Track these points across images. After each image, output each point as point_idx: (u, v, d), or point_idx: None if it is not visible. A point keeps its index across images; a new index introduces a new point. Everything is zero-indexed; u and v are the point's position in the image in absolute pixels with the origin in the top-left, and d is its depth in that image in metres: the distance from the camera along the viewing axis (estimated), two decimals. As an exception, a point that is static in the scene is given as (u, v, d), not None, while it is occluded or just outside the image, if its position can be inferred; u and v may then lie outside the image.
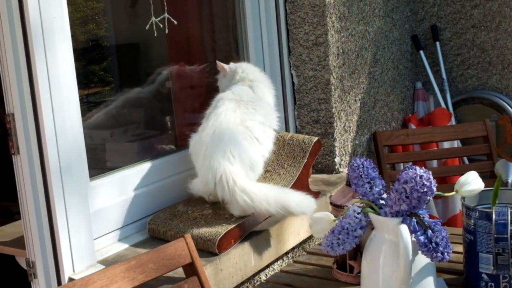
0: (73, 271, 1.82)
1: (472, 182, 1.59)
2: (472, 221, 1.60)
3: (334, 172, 2.72)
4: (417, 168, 1.45)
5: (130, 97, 2.62)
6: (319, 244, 2.07)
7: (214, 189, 2.02)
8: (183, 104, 2.79)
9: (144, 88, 2.67)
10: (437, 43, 3.44)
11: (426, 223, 1.47)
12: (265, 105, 2.25)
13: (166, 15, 2.25)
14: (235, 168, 2.03)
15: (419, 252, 1.48)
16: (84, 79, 1.90)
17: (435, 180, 1.46)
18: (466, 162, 3.25)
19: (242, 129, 2.10)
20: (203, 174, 2.06)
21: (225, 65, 2.33)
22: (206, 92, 2.65)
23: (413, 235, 1.47)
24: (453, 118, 3.33)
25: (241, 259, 1.98)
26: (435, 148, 3.17)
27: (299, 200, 2.02)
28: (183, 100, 2.79)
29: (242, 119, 2.11)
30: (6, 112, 1.80)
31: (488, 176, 2.78)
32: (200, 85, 2.79)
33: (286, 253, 2.26)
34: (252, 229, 2.06)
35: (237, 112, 2.12)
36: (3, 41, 1.75)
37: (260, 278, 2.15)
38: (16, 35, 1.72)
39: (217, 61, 2.35)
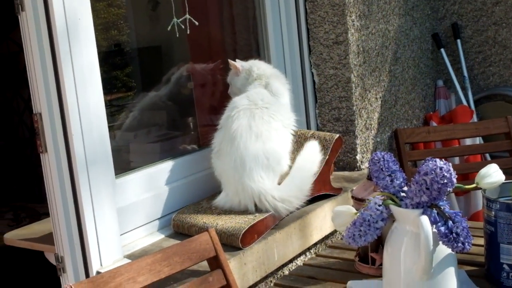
0: (101, 265, 1.86)
1: (493, 174, 1.60)
2: (493, 212, 1.61)
3: (356, 169, 2.74)
4: (437, 160, 1.47)
5: (147, 101, 2.66)
6: (342, 239, 2.09)
7: (255, 209, 2.09)
8: (201, 102, 2.81)
9: (160, 91, 2.70)
10: (458, 41, 3.45)
11: (446, 214, 1.49)
12: (282, 108, 2.25)
13: (187, 16, 2.29)
14: (268, 183, 2.09)
15: (440, 243, 1.50)
16: (108, 84, 1.94)
17: (455, 172, 1.48)
18: (488, 158, 3.25)
19: (261, 147, 2.10)
20: (240, 201, 2.10)
21: (237, 64, 2.33)
22: (221, 88, 2.66)
23: (434, 226, 1.49)
24: (474, 116, 3.33)
25: (264, 253, 2.01)
26: (457, 145, 3.17)
27: (307, 157, 2.16)
28: (200, 98, 2.81)
29: (258, 134, 2.11)
30: (34, 112, 1.85)
31: (511, 172, 2.78)
32: (212, 82, 2.80)
33: (309, 248, 2.29)
34: (275, 224, 2.09)
35: (253, 126, 2.11)
36: (29, 42, 1.80)
37: (283, 272, 2.18)
38: (42, 36, 1.77)
39: (229, 60, 2.35)
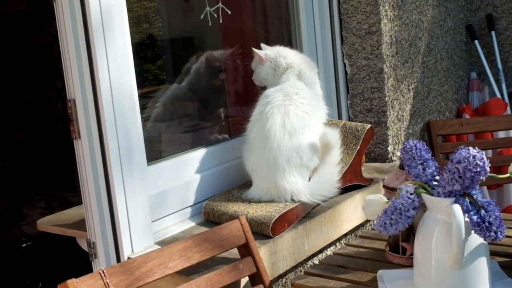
0: (132, 251, 1.88)
1: (526, 163, 1.58)
2: (527, 202, 1.59)
3: (387, 160, 2.72)
4: (470, 148, 1.46)
5: (170, 93, 2.67)
6: (372, 229, 2.08)
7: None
8: (226, 88, 2.80)
9: (182, 82, 2.70)
10: (493, 32, 3.40)
11: (479, 202, 1.47)
12: (316, 101, 2.24)
13: (220, 5, 2.29)
14: (300, 182, 2.10)
15: (472, 232, 1.49)
16: (139, 77, 1.96)
17: (488, 160, 1.46)
18: (522, 152, 3.21)
19: (295, 146, 2.09)
20: (272, 196, 2.11)
21: (261, 53, 2.29)
22: (243, 73, 2.65)
23: (466, 215, 1.48)
24: (508, 108, 3.29)
25: (294, 242, 2.01)
26: (490, 138, 3.14)
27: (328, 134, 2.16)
28: (226, 84, 2.80)
29: (292, 132, 2.10)
30: (68, 98, 1.87)
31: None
32: (233, 67, 2.78)
33: (339, 239, 2.28)
34: (305, 214, 2.09)
35: (287, 124, 2.10)
36: (64, 29, 1.82)
37: (313, 262, 2.18)
38: (76, 22, 1.79)
39: (253, 49, 2.31)
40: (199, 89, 2.72)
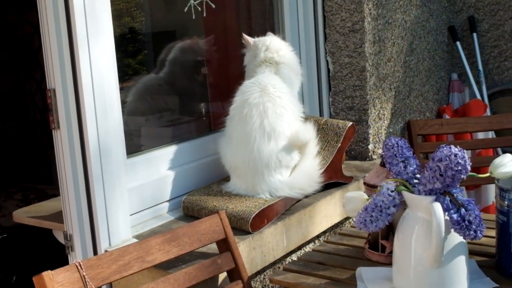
0: (109, 244, 1.86)
1: (507, 164, 1.59)
2: (506, 202, 1.60)
3: (368, 159, 2.72)
4: (452, 146, 1.46)
5: (143, 84, 2.60)
6: (352, 227, 2.08)
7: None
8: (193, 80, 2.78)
9: (156, 72, 2.66)
10: (474, 34, 3.42)
11: (459, 201, 1.47)
12: (292, 96, 2.22)
13: (204, -3, 2.28)
14: (280, 179, 2.10)
15: (452, 230, 1.49)
16: (120, 71, 1.93)
17: (470, 159, 1.46)
18: (500, 153, 3.23)
19: (274, 148, 2.08)
20: (251, 193, 2.11)
21: (249, 39, 2.27)
22: (226, 68, 2.62)
23: (446, 213, 1.48)
24: (488, 110, 3.31)
25: (273, 238, 2.00)
26: (469, 139, 3.15)
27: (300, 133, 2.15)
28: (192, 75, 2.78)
29: (271, 133, 2.08)
30: (48, 88, 1.84)
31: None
32: (215, 61, 2.77)
33: (318, 236, 2.28)
34: (285, 210, 2.09)
35: (266, 125, 2.07)
36: (46, 18, 1.79)
37: (291, 259, 2.17)
38: (59, 12, 1.76)
39: (243, 34, 2.29)
40: (177, 80, 2.68)
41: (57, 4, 1.76)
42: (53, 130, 1.86)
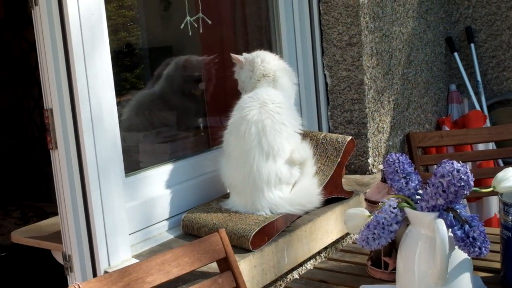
0: (109, 265, 1.83)
1: (510, 178, 1.57)
2: (510, 217, 1.58)
3: (367, 173, 2.71)
4: (454, 162, 1.44)
5: (140, 99, 2.58)
6: (353, 243, 2.06)
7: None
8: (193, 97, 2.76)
9: (152, 88, 2.64)
10: (472, 45, 3.41)
11: (463, 217, 1.46)
12: (291, 110, 2.20)
13: (200, 14, 2.27)
14: (280, 196, 2.08)
15: (456, 247, 1.47)
16: (117, 85, 1.92)
17: (472, 174, 1.45)
18: (501, 164, 3.21)
19: (273, 166, 2.06)
20: (250, 210, 2.09)
21: (240, 57, 2.26)
22: (224, 83, 2.61)
23: (450, 230, 1.46)
24: (487, 121, 3.30)
25: (274, 256, 1.98)
26: (470, 151, 3.14)
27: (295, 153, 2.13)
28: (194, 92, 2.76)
29: (269, 152, 2.06)
30: (45, 107, 1.83)
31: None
32: (210, 76, 2.74)
33: (319, 252, 2.26)
34: (285, 227, 2.07)
35: (264, 144, 2.05)
36: (42, 37, 1.78)
37: (292, 276, 2.15)
38: (55, 30, 1.75)
39: (231, 54, 2.28)
40: (173, 96, 2.66)
41: (53, 22, 1.75)
42: (51, 150, 1.84)
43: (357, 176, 2.68)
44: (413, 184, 1.57)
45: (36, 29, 1.80)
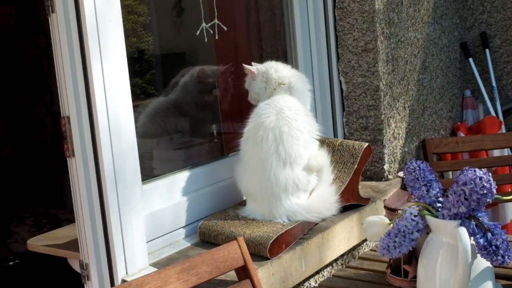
0: (126, 273, 1.82)
1: (531, 185, 1.55)
2: (532, 225, 1.56)
3: (383, 179, 2.69)
4: (477, 169, 1.43)
5: (156, 106, 2.59)
6: (372, 250, 2.05)
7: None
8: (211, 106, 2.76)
9: (168, 96, 2.64)
10: (487, 50, 3.39)
11: (485, 225, 1.44)
12: (308, 116, 2.19)
13: (216, 21, 2.26)
14: (298, 203, 2.07)
15: (478, 255, 1.45)
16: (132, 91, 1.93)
17: (495, 182, 1.43)
18: (517, 170, 3.19)
19: (290, 174, 2.06)
20: (268, 217, 2.08)
21: (252, 68, 2.25)
22: (238, 90, 2.61)
23: (472, 238, 1.45)
24: (503, 127, 3.27)
25: (292, 263, 1.96)
26: (485, 157, 3.12)
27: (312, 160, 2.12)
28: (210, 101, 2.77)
29: (287, 159, 2.05)
30: (62, 115, 1.82)
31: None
32: (225, 85, 2.74)
33: (336, 260, 2.24)
34: (303, 234, 2.05)
35: (281, 151, 2.05)
36: (59, 44, 1.77)
37: (310, 284, 2.13)
38: (72, 38, 1.74)
39: (243, 65, 2.27)
40: (188, 104, 2.66)
41: (70, 29, 1.74)
42: (68, 158, 1.84)
43: (373, 183, 2.67)
44: (434, 192, 1.56)
45: (52, 37, 1.80)
